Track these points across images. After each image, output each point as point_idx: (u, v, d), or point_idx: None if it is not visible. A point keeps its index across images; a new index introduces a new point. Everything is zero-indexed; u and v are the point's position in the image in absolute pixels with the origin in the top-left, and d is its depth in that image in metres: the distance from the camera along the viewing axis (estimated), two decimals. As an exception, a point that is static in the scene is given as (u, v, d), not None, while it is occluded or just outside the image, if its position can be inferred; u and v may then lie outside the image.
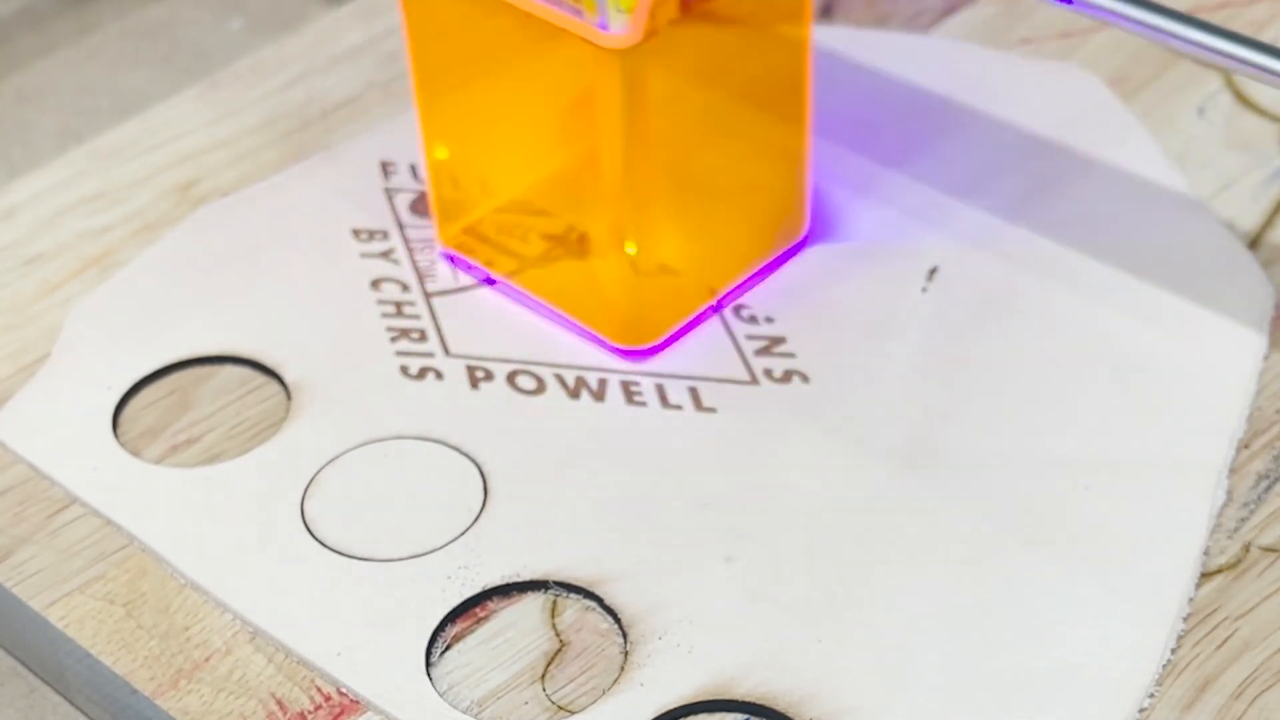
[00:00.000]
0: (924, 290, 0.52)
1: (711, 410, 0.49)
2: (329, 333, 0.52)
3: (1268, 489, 0.47)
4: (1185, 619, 0.44)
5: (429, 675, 0.44)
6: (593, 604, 0.45)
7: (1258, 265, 0.53)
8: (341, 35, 0.62)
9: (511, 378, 0.51)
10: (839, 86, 0.59)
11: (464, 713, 0.43)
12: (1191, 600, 0.44)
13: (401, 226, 0.55)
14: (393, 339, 0.52)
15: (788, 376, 0.50)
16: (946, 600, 0.45)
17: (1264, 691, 0.43)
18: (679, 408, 0.50)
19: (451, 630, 0.45)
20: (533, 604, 0.45)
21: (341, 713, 0.43)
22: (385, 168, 0.57)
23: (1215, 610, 0.44)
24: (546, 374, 0.51)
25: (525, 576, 0.46)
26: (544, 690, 0.44)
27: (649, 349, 0.51)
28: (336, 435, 0.49)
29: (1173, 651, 0.43)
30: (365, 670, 0.44)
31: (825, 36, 0.61)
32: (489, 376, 0.51)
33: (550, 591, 0.46)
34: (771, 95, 0.51)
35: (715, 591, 0.45)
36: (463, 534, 0.47)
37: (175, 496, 0.48)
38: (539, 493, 0.48)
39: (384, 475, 0.48)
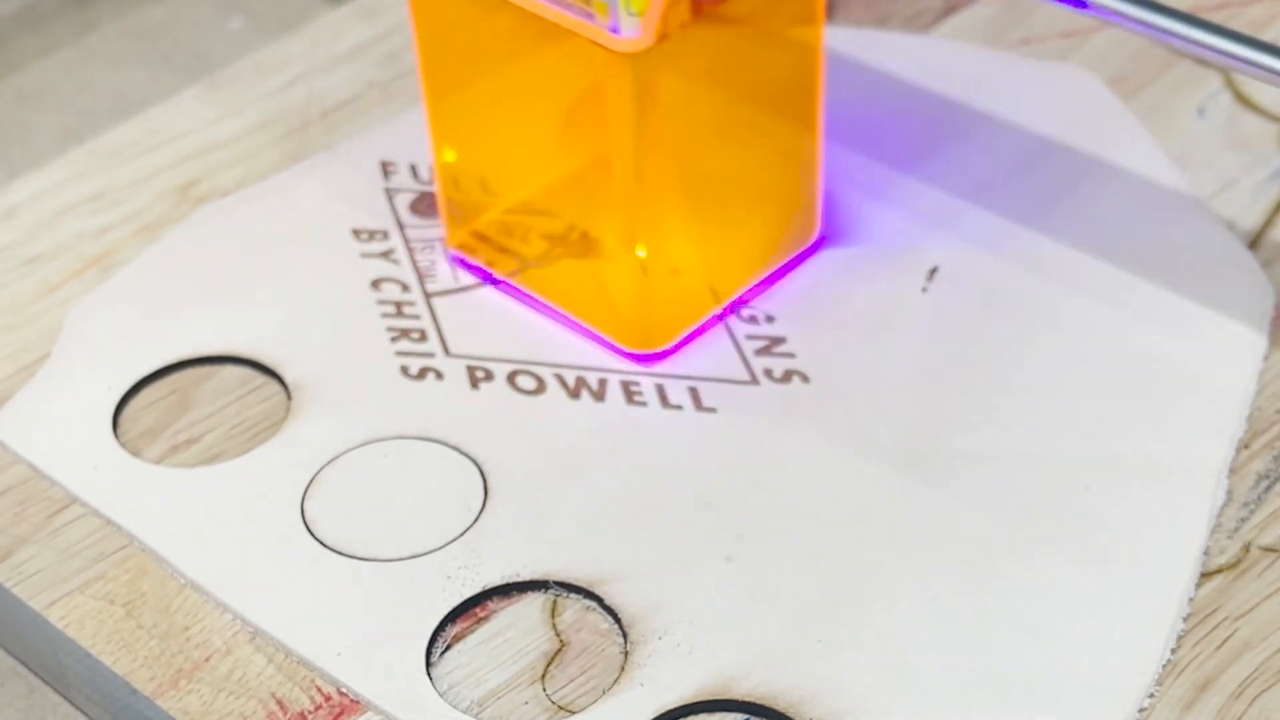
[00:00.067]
0: (924, 290, 0.52)
1: (711, 410, 0.49)
2: (329, 333, 0.52)
3: (1268, 489, 0.47)
4: (1185, 619, 0.44)
5: (429, 675, 0.44)
6: (593, 604, 0.45)
7: (1258, 265, 0.53)
8: (341, 35, 0.62)
9: (511, 378, 0.51)
10: (839, 86, 0.59)
11: (464, 713, 0.43)
12: (1191, 600, 0.44)
13: (401, 226, 0.55)
14: (393, 339, 0.52)
15: (788, 376, 0.50)
16: (946, 600, 0.45)
17: (1264, 691, 0.43)
18: (679, 408, 0.50)
19: (451, 630, 0.45)
20: (533, 604, 0.45)
21: (341, 713, 0.43)
22: (385, 168, 0.57)
23: (1215, 610, 0.44)
24: (546, 374, 0.51)
25: (525, 576, 0.46)
26: (544, 690, 0.44)
27: (659, 354, 0.51)
28: (336, 435, 0.49)
29: (1173, 651, 0.43)
30: (365, 670, 0.44)
31: (825, 36, 0.61)
32: (489, 376, 0.51)
33: (550, 591, 0.46)
34: (783, 98, 0.51)
35: (715, 591, 0.45)
36: (463, 534, 0.47)
37: (175, 496, 0.48)
38: (539, 493, 0.48)
39: (384, 475, 0.48)
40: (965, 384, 0.50)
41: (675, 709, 0.43)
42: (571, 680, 0.44)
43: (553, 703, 0.43)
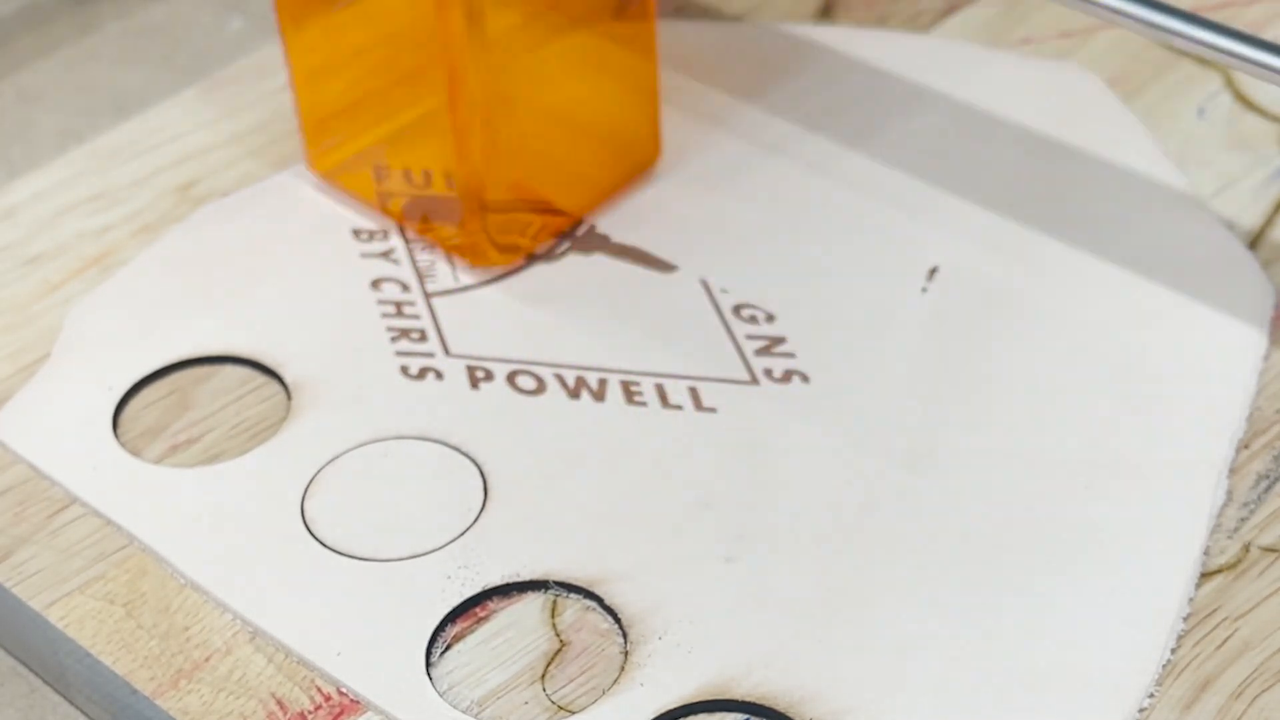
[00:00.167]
0: (924, 290, 0.52)
1: (711, 410, 0.49)
2: (329, 333, 0.52)
3: (1268, 489, 0.47)
4: (1185, 619, 0.44)
5: (429, 675, 0.44)
6: (593, 604, 0.45)
7: (1258, 265, 0.53)
8: (341, 35, 0.62)
9: (511, 378, 0.51)
10: (839, 86, 0.59)
11: (464, 713, 0.43)
12: (1191, 600, 0.44)
13: (402, 227, 0.55)
14: (393, 339, 0.52)
15: (788, 376, 0.50)
16: (946, 600, 0.45)
17: (1264, 691, 0.43)
18: (679, 408, 0.50)
19: (451, 630, 0.45)
20: (533, 604, 0.45)
21: (341, 713, 0.43)
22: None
23: (1215, 610, 0.44)
24: (546, 374, 0.51)
25: (525, 576, 0.46)
26: (544, 690, 0.44)
27: (506, 272, 0.53)
28: (336, 435, 0.49)
29: (1172, 651, 0.43)
30: (365, 670, 0.44)
31: (825, 36, 0.61)
32: (489, 376, 0.51)
33: (550, 591, 0.46)
34: (617, 22, 0.53)
35: (715, 591, 0.45)
36: (463, 534, 0.47)
37: (175, 496, 0.48)
38: (539, 493, 0.48)
39: (384, 475, 0.48)
40: (965, 384, 0.50)
41: (675, 709, 0.43)
42: (571, 680, 0.44)
43: (553, 703, 0.43)
